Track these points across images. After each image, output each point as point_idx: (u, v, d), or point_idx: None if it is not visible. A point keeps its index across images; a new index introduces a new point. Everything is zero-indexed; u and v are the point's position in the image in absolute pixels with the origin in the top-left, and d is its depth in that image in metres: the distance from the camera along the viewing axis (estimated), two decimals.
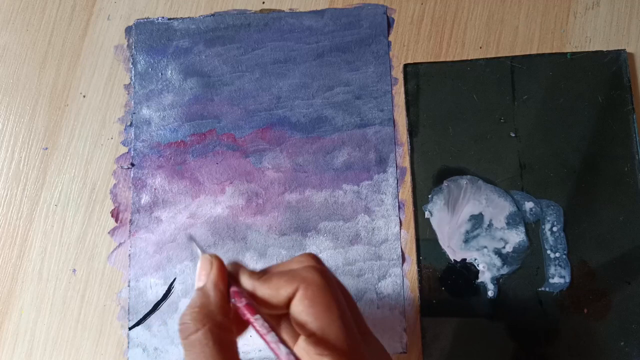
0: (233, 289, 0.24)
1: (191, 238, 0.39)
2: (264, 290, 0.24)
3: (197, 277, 0.25)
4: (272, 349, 0.22)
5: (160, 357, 0.40)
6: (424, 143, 0.42)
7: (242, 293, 0.24)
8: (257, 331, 0.22)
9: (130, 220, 0.42)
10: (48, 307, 0.41)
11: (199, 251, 0.26)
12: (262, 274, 0.24)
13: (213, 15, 0.46)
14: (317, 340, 0.22)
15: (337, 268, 0.40)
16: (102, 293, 0.41)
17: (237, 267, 0.25)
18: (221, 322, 0.23)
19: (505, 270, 0.39)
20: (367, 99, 0.43)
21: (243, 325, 0.25)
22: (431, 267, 0.40)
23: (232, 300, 0.24)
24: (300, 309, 0.22)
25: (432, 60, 0.44)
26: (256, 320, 0.22)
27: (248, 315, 0.23)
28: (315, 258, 0.25)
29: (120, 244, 0.42)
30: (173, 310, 0.41)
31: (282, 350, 0.21)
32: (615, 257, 0.39)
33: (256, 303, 0.24)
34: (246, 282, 0.24)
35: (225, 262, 0.25)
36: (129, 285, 0.41)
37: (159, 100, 0.44)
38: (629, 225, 0.39)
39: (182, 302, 0.41)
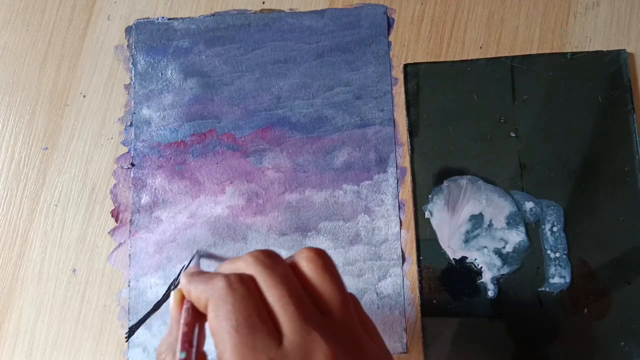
0: (185, 306, 0.26)
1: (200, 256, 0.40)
2: (193, 296, 0.25)
3: (170, 311, 0.27)
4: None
5: None
6: (424, 143, 0.42)
7: (189, 310, 0.26)
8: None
9: (130, 220, 0.42)
10: (48, 307, 0.41)
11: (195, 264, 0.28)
12: (199, 276, 0.25)
13: (213, 15, 0.46)
14: (218, 353, 0.22)
15: (338, 268, 0.40)
16: (102, 293, 0.41)
17: (187, 275, 0.26)
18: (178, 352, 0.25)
19: (505, 270, 0.39)
20: (367, 99, 0.43)
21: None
22: (431, 267, 0.40)
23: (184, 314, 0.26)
24: (208, 320, 0.23)
25: (432, 60, 0.44)
26: (183, 329, 0.25)
27: (181, 326, 0.25)
28: (252, 255, 0.25)
29: (120, 244, 0.42)
30: None
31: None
32: (615, 257, 0.39)
33: (198, 312, 0.25)
34: (184, 286, 0.25)
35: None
36: (129, 285, 0.41)
37: (159, 100, 0.44)
38: (629, 225, 0.39)
39: None
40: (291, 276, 0.24)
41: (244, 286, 0.23)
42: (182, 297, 0.26)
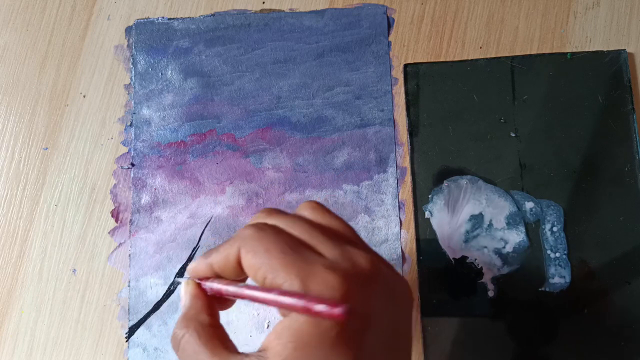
0: (203, 282, 0.26)
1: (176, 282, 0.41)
2: (217, 263, 0.25)
3: (181, 298, 0.27)
4: (257, 300, 0.23)
5: (160, 357, 0.40)
6: (424, 143, 0.42)
7: (212, 280, 0.26)
8: (239, 296, 0.25)
9: (130, 220, 0.42)
10: (48, 307, 0.41)
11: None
12: (212, 249, 0.26)
13: (213, 15, 0.46)
14: (270, 280, 0.23)
15: None
16: (102, 293, 0.41)
17: (196, 261, 0.27)
18: (204, 320, 0.25)
19: (505, 270, 0.39)
20: (367, 99, 0.43)
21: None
22: (431, 267, 0.40)
23: (209, 289, 0.26)
24: (247, 264, 0.24)
25: (432, 60, 0.44)
26: (229, 286, 0.25)
27: (223, 288, 0.25)
28: (264, 212, 0.27)
29: (120, 244, 0.42)
30: (173, 310, 0.41)
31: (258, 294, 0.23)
32: (615, 257, 0.39)
33: (222, 278, 0.26)
34: (201, 263, 0.26)
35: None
36: (129, 285, 0.41)
37: (159, 100, 0.44)
38: (629, 225, 0.39)
39: None
40: (305, 218, 0.26)
41: (272, 227, 0.25)
42: (197, 285, 0.27)
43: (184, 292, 0.27)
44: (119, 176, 0.43)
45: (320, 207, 0.27)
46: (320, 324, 0.22)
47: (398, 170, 0.42)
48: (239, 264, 0.24)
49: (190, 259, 0.41)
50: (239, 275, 0.25)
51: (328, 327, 0.22)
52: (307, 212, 0.27)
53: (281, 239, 0.24)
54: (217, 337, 0.24)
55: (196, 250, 0.41)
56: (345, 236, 0.26)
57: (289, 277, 0.22)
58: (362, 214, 0.41)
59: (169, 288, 0.41)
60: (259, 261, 0.23)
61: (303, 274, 0.22)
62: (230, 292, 0.25)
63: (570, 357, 0.38)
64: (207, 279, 0.26)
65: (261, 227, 0.24)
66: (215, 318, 0.26)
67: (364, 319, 0.23)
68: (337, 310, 0.20)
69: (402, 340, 0.25)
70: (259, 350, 0.23)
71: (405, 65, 0.43)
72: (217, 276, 0.26)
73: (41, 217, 0.43)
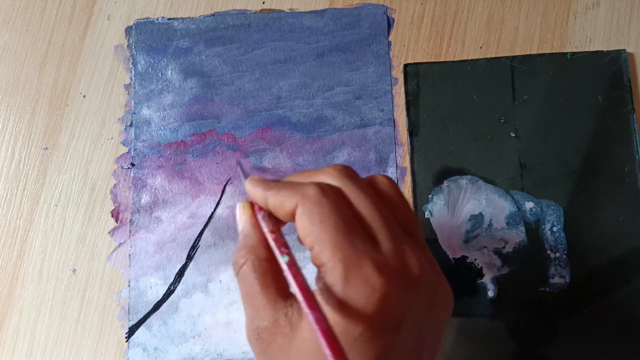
0: (257, 212, 0.26)
1: (239, 164, 0.39)
2: (272, 203, 0.25)
3: (238, 222, 0.27)
4: (289, 283, 0.23)
5: (160, 357, 0.40)
6: (424, 143, 0.42)
7: (264, 217, 0.26)
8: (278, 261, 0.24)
9: (131, 220, 0.42)
10: (48, 307, 0.41)
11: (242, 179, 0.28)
12: (276, 184, 0.26)
13: (213, 15, 0.46)
14: (315, 252, 0.23)
15: None
16: (102, 293, 0.41)
17: (258, 182, 0.27)
18: (261, 254, 0.25)
19: (505, 270, 0.39)
20: (367, 99, 0.43)
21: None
22: None
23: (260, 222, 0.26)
24: (299, 224, 0.24)
25: (432, 60, 0.44)
26: (276, 248, 0.25)
27: (270, 242, 0.25)
28: (336, 169, 0.26)
29: (120, 244, 0.42)
30: (173, 310, 0.41)
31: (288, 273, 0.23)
32: (615, 257, 0.39)
33: (275, 219, 0.26)
34: (259, 192, 0.26)
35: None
36: (129, 285, 0.41)
37: (159, 100, 0.44)
38: (629, 225, 0.39)
39: (182, 302, 0.41)
40: (375, 192, 0.26)
41: (337, 193, 0.24)
42: (252, 207, 0.27)
43: (240, 216, 0.27)
44: (119, 176, 0.43)
45: (394, 185, 0.26)
46: (347, 317, 0.22)
47: (398, 170, 0.42)
48: (292, 215, 0.24)
49: (189, 258, 0.41)
50: (290, 221, 0.25)
51: (354, 323, 0.22)
52: (380, 185, 0.26)
53: (340, 212, 0.23)
54: (271, 273, 0.25)
55: (196, 250, 0.41)
56: (407, 225, 0.25)
57: (333, 259, 0.22)
58: None
59: (170, 286, 0.41)
60: (311, 228, 0.23)
61: (348, 262, 0.22)
62: (273, 252, 0.25)
63: (570, 357, 0.38)
64: (261, 209, 0.26)
65: (325, 192, 0.24)
66: (271, 252, 0.26)
67: (396, 323, 0.22)
68: None
69: (430, 347, 0.25)
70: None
71: (405, 65, 0.43)
72: (269, 212, 0.26)
73: (41, 217, 0.43)
